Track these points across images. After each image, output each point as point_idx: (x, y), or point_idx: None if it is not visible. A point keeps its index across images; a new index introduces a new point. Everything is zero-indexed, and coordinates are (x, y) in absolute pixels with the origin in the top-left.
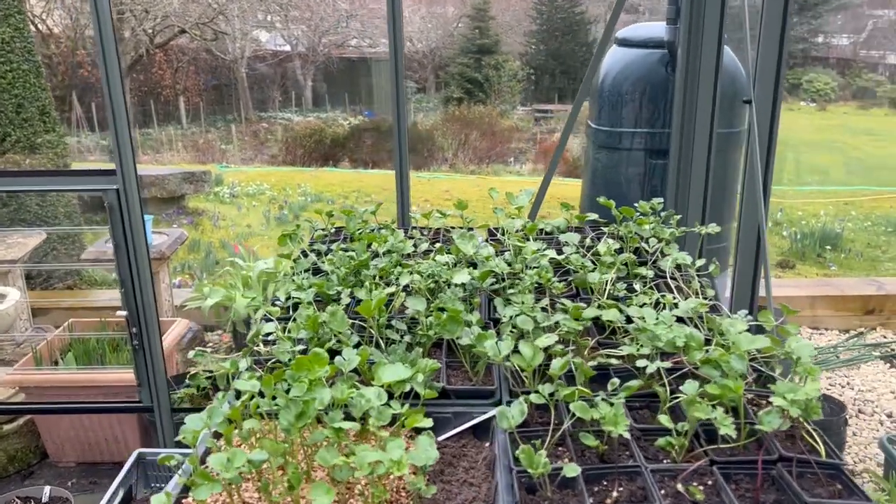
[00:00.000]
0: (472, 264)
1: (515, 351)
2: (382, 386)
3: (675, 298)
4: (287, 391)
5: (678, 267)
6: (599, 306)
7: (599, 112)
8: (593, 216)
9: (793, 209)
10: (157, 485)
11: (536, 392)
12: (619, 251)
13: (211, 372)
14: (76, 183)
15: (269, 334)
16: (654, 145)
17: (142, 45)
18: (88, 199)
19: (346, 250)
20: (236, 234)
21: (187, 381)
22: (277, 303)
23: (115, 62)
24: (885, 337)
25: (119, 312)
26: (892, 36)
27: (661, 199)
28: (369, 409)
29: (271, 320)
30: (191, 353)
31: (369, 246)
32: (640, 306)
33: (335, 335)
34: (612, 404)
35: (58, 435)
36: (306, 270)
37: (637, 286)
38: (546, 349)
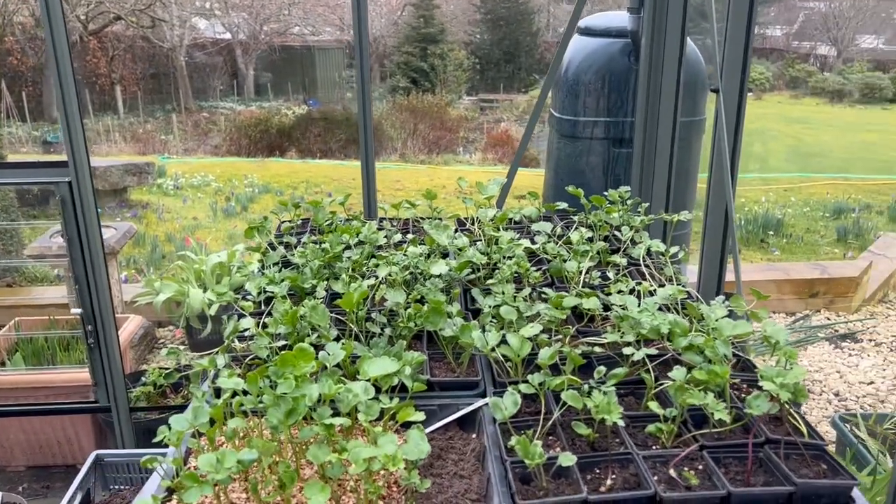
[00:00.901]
0: (445, 255)
1: (503, 342)
2: (369, 380)
3: (651, 286)
4: (273, 388)
5: (648, 254)
6: (578, 295)
7: (563, 101)
8: (562, 205)
9: (736, 196)
10: (117, 487)
11: (525, 382)
12: (590, 240)
13: (167, 369)
14: (25, 175)
15: (244, 330)
16: (617, 134)
17: (75, 31)
18: (27, 192)
19: (317, 243)
20: (182, 227)
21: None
22: (249, 297)
23: (64, 48)
24: (829, 319)
25: (74, 310)
26: (822, 27)
27: (628, 188)
28: (357, 404)
29: (244, 315)
30: (163, 352)
31: (341, 235)
32: (618, 293)
33: (314, 329)
34: (604, 393)
35: (6, 438)
36: (275, 264)
37: (611, 274)
38: (531, 338)
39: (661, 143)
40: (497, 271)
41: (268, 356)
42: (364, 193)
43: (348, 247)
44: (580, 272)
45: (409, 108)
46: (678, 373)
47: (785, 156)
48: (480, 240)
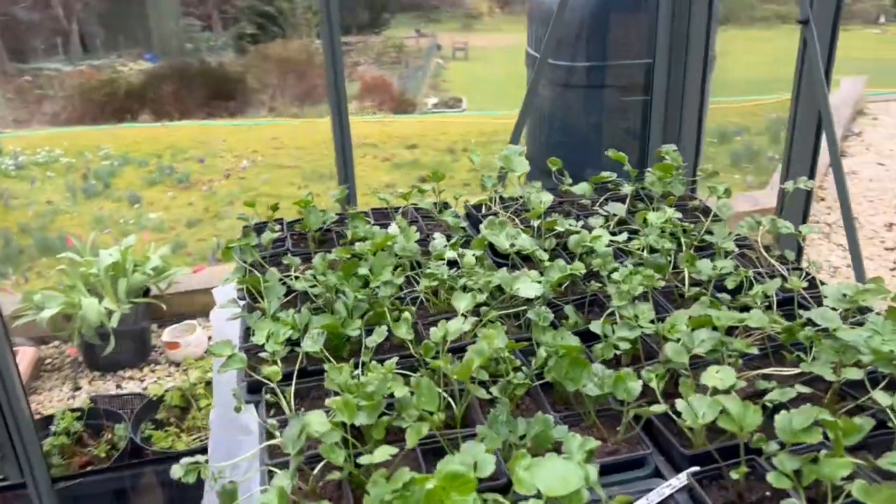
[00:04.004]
0: (501, 262)
1: (723, 412)
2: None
3: (802, 279)
4: None
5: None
6: (743, 309)
7: (557, 45)
8: (609, 175)
9: None
10: None
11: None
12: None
13: (77, 410)
14: None
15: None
16: (627, 80)
17: None
18: None
19: (351, 260)
20: (37, 214)
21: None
22: (265, 353)
23: None
24: None
25: None
26: None
27: (674, 147)
28: None
29: (274, 392)
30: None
31: (381, 251)
32: (760, 299)
33: (418, 414)
34: None
35: None
36: (285, 299)
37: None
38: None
39: (689, 88)
40: (585, 281)
41: (350, 474)
42: (341, 176)
43: (358, 258)
44: (698, 273)
45: (273, 58)
46: None
47: None
48: (534, 234)
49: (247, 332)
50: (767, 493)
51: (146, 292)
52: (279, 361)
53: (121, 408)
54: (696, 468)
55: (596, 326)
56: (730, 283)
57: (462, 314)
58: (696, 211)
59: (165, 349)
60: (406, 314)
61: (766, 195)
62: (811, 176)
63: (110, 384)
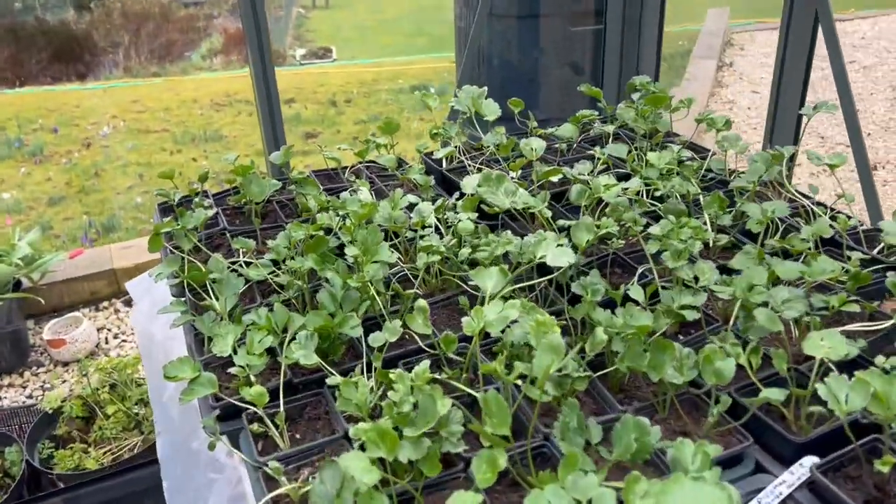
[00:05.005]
0: (493, 224)
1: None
2: None
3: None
4: None
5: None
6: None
7: None
8: (591, 113)
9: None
10: None
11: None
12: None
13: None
14: None
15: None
16: (575, 8)
17: None
18: None
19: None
20: None
21: None
22: (236, 368)
23: None
24: None
25: None
26: None
27: (647, 77)
28: None
29: (261, 420)
30: None
31: (367, 223)
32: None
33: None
34: None
35: None
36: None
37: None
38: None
39: (647, 14)
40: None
41: None
42: (267, 138)
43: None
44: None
45: (121, 14)
46: None
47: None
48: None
49: (199, 340)
50: None
51: (17, 285)
52: (254, 377)
53: (6, 425)
54: (815, 458)
55: (637, 293)
56: (754, 227)
57: (489, 296)
58: (685, 148)
59: (48, 348)
60: (421, 303)
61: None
62: (801, 104)
63: None
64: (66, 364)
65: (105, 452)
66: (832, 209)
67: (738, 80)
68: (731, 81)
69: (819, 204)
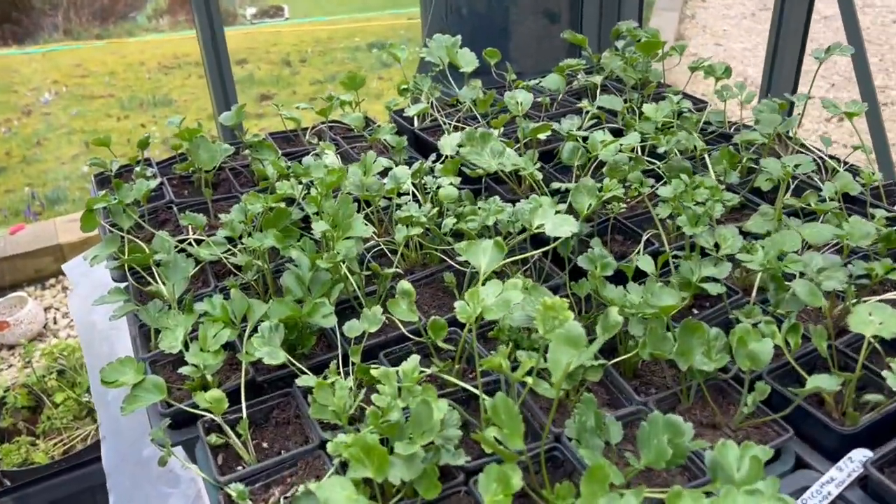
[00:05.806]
0: (476, 189)
1: None
2: None
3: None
4: None
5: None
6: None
7: None
8: (577, 62)
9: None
10: None
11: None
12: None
13: None
14: None
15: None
16: None
17: None
18: None
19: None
20: None
21: None
22: (188, 368)
23: None
24: None
25: None
26: None
27: (634, 23)
28: None
29: (221, 430)
30: None
31: (335, 192)
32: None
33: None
34: None
35: None
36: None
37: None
38: None
39: None
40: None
41: None
42: (216, 98)
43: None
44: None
45: None
46: None
47: None
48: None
49: (145, 333)
50: None
51: None
52: (211, 377)
53: None
54: (867, 451)
55: (647, 264)
56: (764, 185)
57: (483, 273)
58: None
59: None
60: (405, 286)
61: None
62: (801, 52)
63: None
64: (11, 347)
65: (55, 444)
66: (846, 163)
67: (701, 32)
68: (694, 34)
69: (832, 157)
